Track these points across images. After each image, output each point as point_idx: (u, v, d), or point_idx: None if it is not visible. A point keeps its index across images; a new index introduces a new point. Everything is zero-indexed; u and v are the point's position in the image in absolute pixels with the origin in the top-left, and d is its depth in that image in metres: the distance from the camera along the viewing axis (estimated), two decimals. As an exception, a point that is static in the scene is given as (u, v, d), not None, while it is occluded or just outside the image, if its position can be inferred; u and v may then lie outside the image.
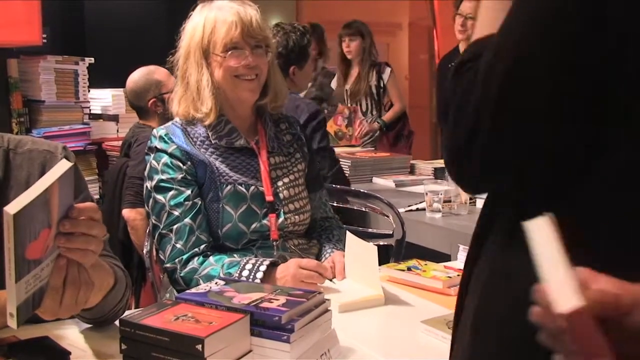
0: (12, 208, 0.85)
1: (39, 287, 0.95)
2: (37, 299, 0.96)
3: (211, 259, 1.59)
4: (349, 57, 4.38)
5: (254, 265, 1.54)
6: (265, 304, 1.12)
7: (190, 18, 1.71)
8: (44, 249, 0.94)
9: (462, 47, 3.60)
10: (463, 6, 3.52)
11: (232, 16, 1.63)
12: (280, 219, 1.68)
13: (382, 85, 4.42)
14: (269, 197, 1.68)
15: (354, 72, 4.41)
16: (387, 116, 4.38)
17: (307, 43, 2.75)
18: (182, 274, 1.58)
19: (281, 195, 1.71)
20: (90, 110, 3.55)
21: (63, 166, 0.95)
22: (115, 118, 3.64)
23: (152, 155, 1.68)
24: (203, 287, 1.22)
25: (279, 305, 1.11)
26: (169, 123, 1.74)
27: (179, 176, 1.63)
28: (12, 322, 0.91)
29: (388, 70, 4.44)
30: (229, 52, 1.64)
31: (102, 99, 3.69)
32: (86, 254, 1.01)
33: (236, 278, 1.52)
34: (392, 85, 4.46)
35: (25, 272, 0.90)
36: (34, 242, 0.90)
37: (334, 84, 4.45)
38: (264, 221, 1.66)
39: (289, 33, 2.70)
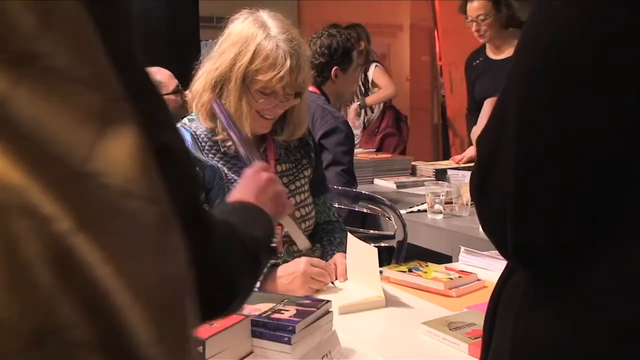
0: None
1: None
2: None
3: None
4: None
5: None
6: (277, 315, 1.11)
7: (240, 23, 1.63)
8: None
9: (488, 47, 3.55)
10: (470, 10, 3.40)
11: (283, 64, 1.57)
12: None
13: (368, 80, 4.42)
14: None
15: None
16: (370, 98, 4.37)
17: (351, 46, 2.73)
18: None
19: None
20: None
21: None
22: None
23: None
24: None
25: (290, 316, 1.11)
26: (178, 125, 1.72)
27: None
28: None
29: (372, 66, 4.44)
30: (265, 96, 1.61)
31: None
32: None
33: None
34: (378, 75, 4.45)
35: None
36: None
37: None
38: None
39: (334, 35, 2.71)
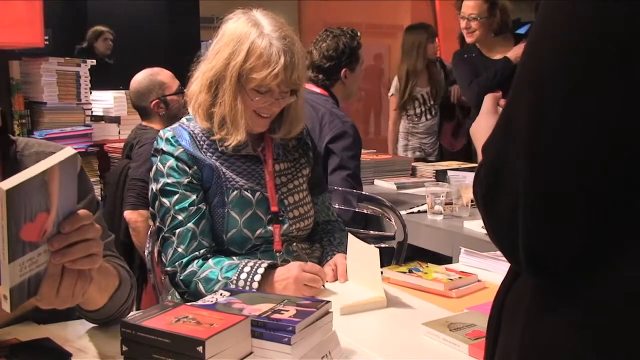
0: (6, 184, 0.84)
1: (36, 273, 0.94)
2: (34, 285, 0.95)
3: (210, 261, 1.58)
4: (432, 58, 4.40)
5: (251, 268, 1.54)
6: (276, 316, 1.12)
7: (234, 22, 1.64)
8: (41, 233, 0.93)
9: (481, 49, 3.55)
10: (464, 7, 3.42)
11: (277, 61, 1.57)
12: (285, 226, 1.68)
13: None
14: (274, 207, 1.68)
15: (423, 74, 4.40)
16: None
17: (357, 45, 2.71)
18: (182, 277, 1.58)
19: (286, 202, 1.71)
20: (92, 112, 3.56)
21: (66, 152, 0.94)
22: (116, 120, 3.65)
23: (158, 158, 1.66)
24: (209, 298, 1.22)
25: (290, 316, 1.11)
26: (176, 124, 1.72)
27: (185, 180, 1.63)
28: (6, 305, 0.90)
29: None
30: (260, 94, 1.61)
31: (104, 100, 3.69)
32: (92, 258, 1.01)
33: (234, 281, 1.52)
34: None
35: (19, 254, 0.89)
36: (30, 223, 0.89)
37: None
38: (269, 227, 1.66)
39: (338, 36, 2.68)
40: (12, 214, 0.85)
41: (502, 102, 1.01)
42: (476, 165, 0.81)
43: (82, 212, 1.00)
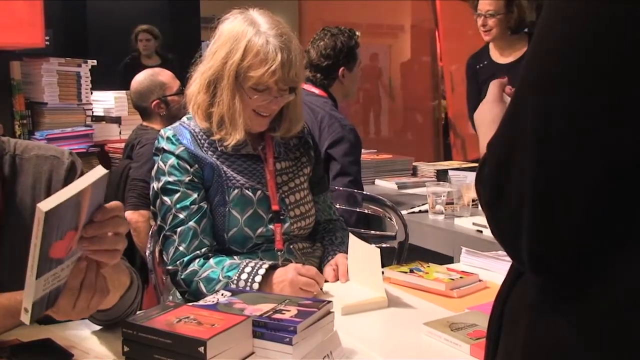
0: (45, 205, 0.86)
1: (56, 287, 0.97)
2: (53, 298, 0.98)
3: (211, 261, 1.59)
4: None
5: (252, 268, 1.54)
6: (278, 316, 1.12)
7: (230, 22, 1.64)
8: (67, 250, 0.95)
9: (492, 50, 3.50)
10: (481, 4, 3.36)
11: (274, 59, 1.57)
12: (286, 224, 1.68)
13: None
14: (275, 206, 1.68)
15: None
16: None
17: (354, 44, 2.70)
18: (183, 276, 1.58)
19: (287, 201, 1.71)
20: (92, 112, 3.55)
21: (98, 172, 0.96)
22: (117, 120, 3.65)
23: (160, 157, 1.67)
24: (210, 298, 1.22)
25: (291, 316, 1.11)
26: (177, 123, 1.72)
27: (186, 179, 1.63)
28: (26, 318, 0.92)
29: None
30: (259, 93, 1.61)
31: (105, 101, 3.69)
32: (113, 254, 1.02)
33: (235, 281, 1.52)
34: None
35: (46, 270, 0.91)
36: (60, 241, 0.91)
37: None
38: (270, 226, 1.66)
39: (336, 35, 2.67)
40: (46, 233, 0.87)
41: (508, 89, 0.99)
42: (475, 165, 0.80)
43: (115, 203, 1.01)
